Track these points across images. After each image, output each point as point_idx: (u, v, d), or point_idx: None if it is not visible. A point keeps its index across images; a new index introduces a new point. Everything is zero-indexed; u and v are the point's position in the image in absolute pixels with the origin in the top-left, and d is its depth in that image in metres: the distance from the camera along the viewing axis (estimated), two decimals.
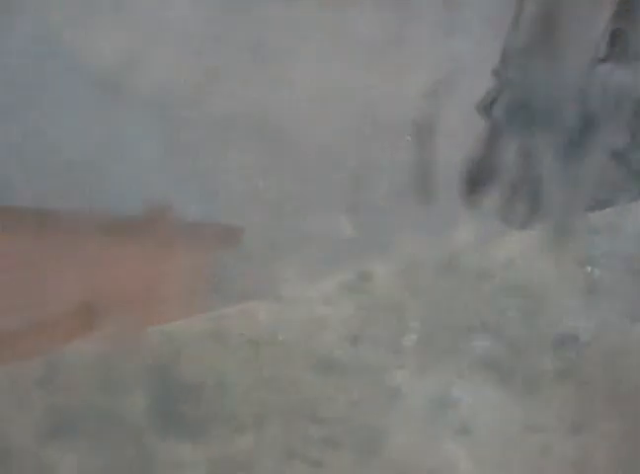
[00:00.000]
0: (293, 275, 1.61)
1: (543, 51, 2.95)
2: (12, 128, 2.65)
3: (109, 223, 1.88)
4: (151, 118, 2.79)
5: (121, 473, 1.29)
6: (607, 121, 2.86)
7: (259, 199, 2.33)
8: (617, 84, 2.94)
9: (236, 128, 2.74)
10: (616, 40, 2.94)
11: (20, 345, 1.47)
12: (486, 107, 2.93)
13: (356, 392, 1.41)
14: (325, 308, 1.52)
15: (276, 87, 2.87)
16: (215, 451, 1.33)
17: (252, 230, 2.02)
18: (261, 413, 1.38)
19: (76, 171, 2.44)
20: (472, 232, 1.71)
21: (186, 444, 1.33)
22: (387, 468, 1.33)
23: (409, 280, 1.58)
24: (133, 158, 2.57)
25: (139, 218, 1.93)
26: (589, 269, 1.59)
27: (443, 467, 1.31)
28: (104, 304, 1.58)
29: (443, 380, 1.41)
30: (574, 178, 2.45)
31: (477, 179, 2.77)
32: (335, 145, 2.70)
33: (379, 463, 1.34)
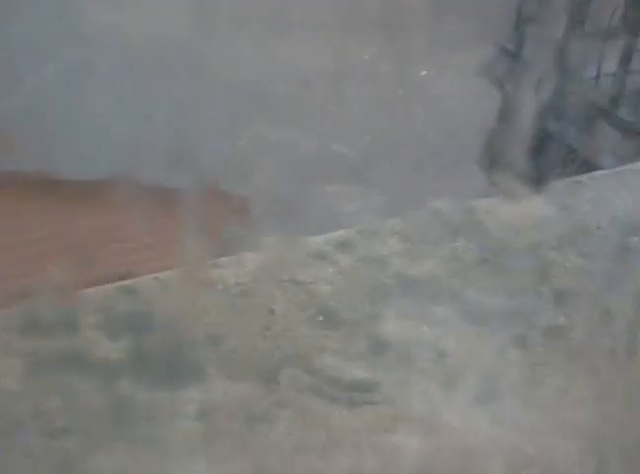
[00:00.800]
0: (293, 231, 1.60)
1: (553, 25, 2.95)
2: (20, 90, 2.63)
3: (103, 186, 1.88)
4: (163, 79, 2.78)
5: (108, 418, 1.29)
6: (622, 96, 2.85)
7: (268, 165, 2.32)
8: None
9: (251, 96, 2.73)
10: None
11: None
12: (497, 79, 2.93)
13: (348, 343, 1.40)
14: (321, 262, 1.52)
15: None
16: (207, 399, 1.32)
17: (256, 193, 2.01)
18: (255, 362, 1.37)
19: (92, 134, 2.43)
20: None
21: (177, 391, 1.32)
22: (378, 419, 1.32)
23: (408, 238, 1.57)
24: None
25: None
26: None
27: (433, 417, 1.30)
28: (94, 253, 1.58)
29: (435, 331, 1.40)
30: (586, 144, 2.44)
31: (495, 149, 2.77)
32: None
33: (369, 414, 1.33)
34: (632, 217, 1.57)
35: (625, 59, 2.94)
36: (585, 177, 1.73)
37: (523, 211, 1.61)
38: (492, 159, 2.75)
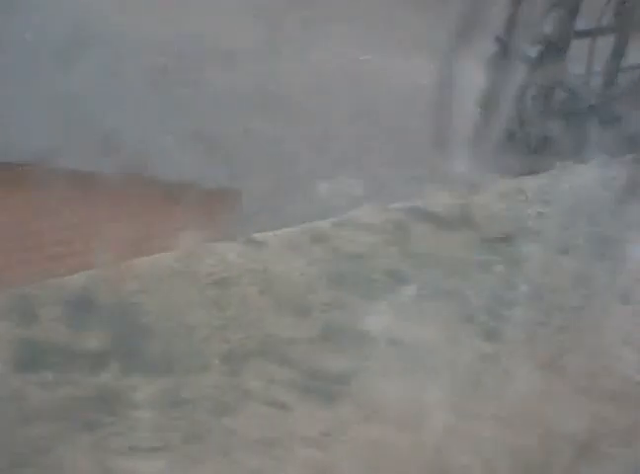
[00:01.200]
0: (268, 220, 1.60)
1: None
2: None
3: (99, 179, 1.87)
4: (154, 78, 2.78)
5: (84, 407, 1.28)
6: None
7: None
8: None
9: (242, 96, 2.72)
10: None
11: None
12: (490, 73, 2.92)
13: (321, 334, 1.40)
14: (295, 253, 1.51)
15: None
16: (177, 390, 1.31)
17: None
18: (225, 353, 1.37)
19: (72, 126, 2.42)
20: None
21: (148, 382, 1.32)
22: (350, 411, 1.32)
23: (385, 230, 1.57)
24: (134, 118, 2.55)
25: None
26: None
27: (413, 410, 1.29)
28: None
29: (410, 323, 1.40)
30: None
31: (477, 139, 2.77)
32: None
33: (342, 406, 1.32)
34: (599, 211, 1.56)
35: (615, 56, 2.93)
36: (562, 169, 1.72)
37: (500, 202, 1.61)
38: (471, 149, 2.74)
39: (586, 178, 1.64)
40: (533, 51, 3.00)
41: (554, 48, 2.94)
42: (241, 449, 1.24)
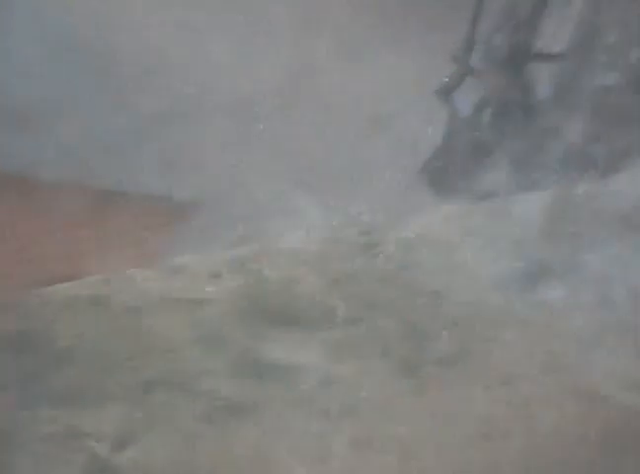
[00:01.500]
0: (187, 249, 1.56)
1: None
2: None
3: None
4: (114, 88, 2.73)
5: None
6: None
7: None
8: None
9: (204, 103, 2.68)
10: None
11: None
12: (446, 93, 2.89)
13: (233, 366, 1.37)
14: (212, 281, 1.48)
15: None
16: (75, 421, 1.28)
17: None
18: (132, 383, 1.33)
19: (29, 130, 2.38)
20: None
21: (50, 414, 1.28)
22: (257, 442, 1.29)
23: (302, 258, 1.54)
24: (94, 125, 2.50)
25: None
26: None
27: (319, 443, 1.27)
28: None
29: (321, 355, 1.37)
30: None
31: (439, 166, 2.74)
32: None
33: (253, 438, 1.29)
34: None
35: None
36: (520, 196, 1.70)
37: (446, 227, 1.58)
38: (429, 174, 2.71)
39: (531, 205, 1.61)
40: (491, 69, 2.97)
41: (512, 67, 2.91)
42: None
